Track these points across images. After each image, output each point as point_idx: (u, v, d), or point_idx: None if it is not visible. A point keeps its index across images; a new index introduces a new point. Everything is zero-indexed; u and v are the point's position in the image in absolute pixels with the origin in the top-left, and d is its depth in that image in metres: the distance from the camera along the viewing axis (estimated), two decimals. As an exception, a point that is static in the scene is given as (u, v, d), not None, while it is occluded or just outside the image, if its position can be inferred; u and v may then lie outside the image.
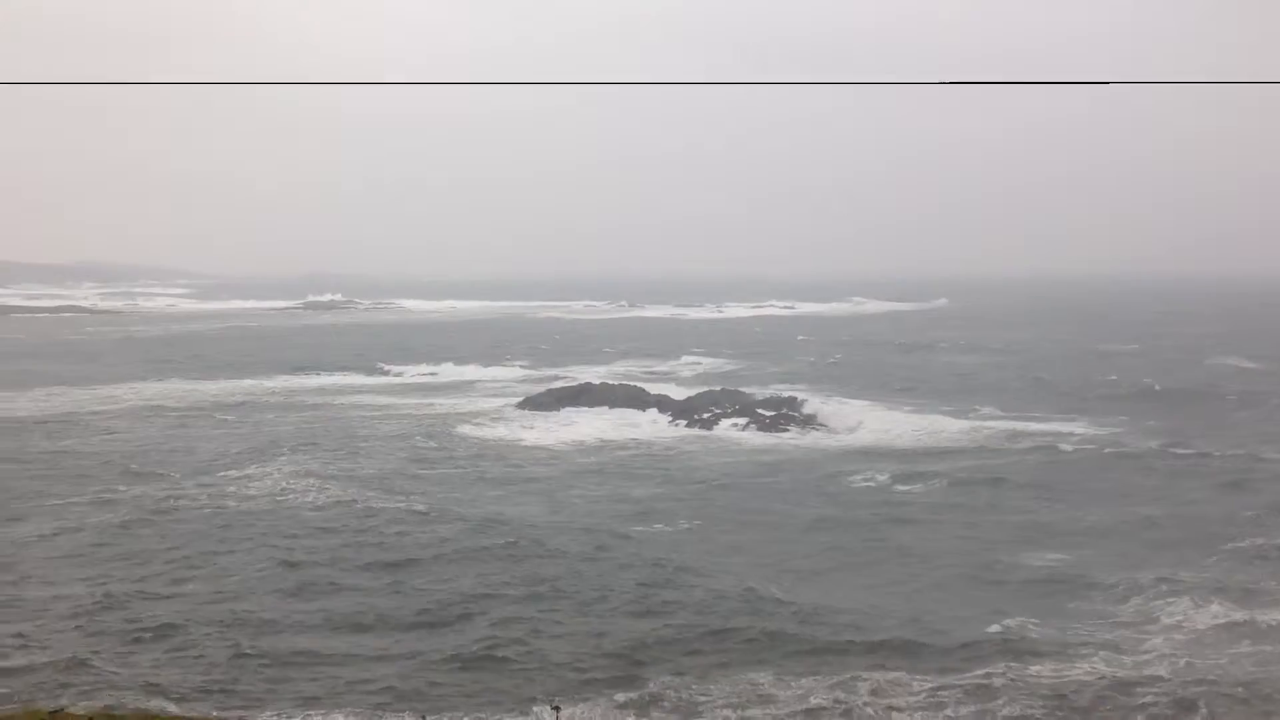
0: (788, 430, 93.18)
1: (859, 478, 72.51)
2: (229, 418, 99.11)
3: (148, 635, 41.06)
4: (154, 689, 35.58)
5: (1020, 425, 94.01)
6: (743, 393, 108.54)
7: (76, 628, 42.02)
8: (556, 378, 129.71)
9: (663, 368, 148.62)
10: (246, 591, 46.77)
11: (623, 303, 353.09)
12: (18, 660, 38.38)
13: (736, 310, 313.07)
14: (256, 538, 55.27)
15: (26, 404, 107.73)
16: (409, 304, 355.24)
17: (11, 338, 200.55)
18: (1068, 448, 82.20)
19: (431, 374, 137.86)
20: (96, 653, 39.17)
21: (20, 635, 40.82)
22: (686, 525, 59.66)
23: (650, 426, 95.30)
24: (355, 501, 63.27)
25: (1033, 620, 43.13)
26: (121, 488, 67.35)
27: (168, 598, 45.90)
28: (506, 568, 50.13)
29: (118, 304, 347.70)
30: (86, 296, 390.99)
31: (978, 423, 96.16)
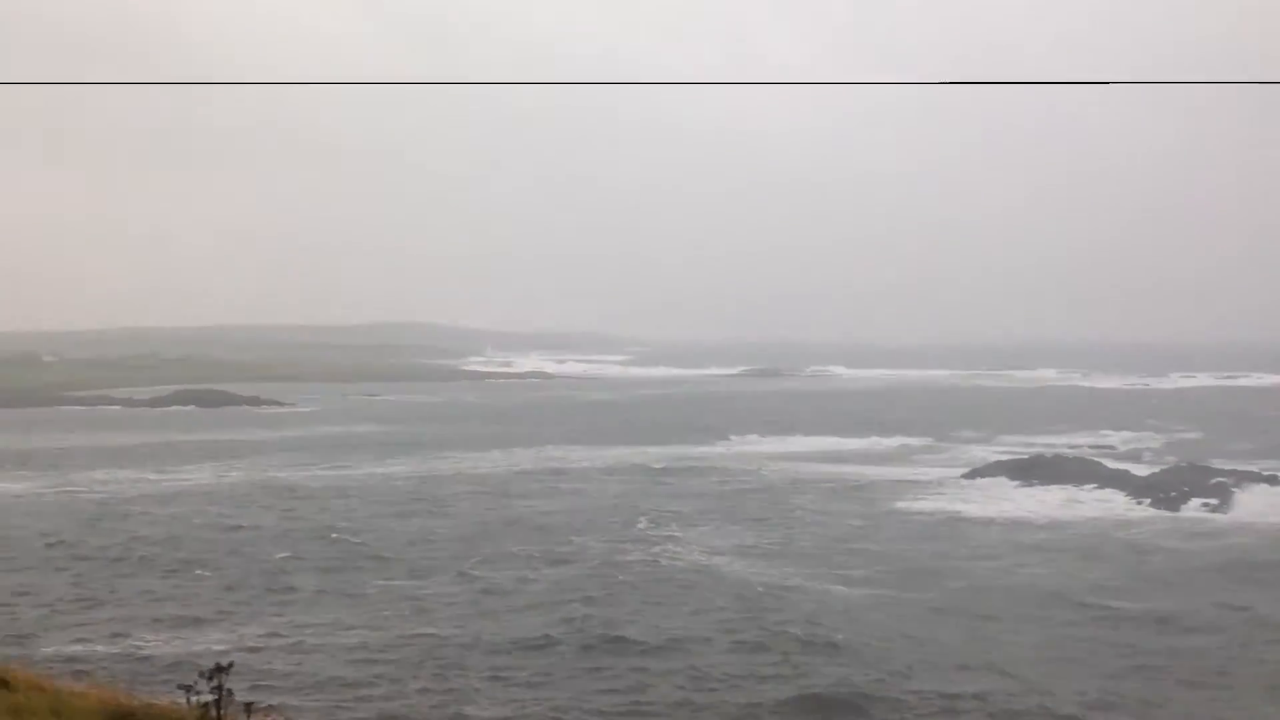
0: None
1: None
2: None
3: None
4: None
5: None
6: (1213, 467, 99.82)
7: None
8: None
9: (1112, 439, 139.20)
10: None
11: (1081, 371, 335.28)
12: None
13: (1200, 379, 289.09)
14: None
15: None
16: (840, 371, 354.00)
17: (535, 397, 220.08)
18: None
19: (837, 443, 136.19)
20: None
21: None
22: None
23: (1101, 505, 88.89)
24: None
25: None
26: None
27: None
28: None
29: (574, 369, 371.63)
30: (540, 363, 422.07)
31: None
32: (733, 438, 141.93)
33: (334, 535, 73.66)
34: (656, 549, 68.86)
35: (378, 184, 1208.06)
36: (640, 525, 77.92)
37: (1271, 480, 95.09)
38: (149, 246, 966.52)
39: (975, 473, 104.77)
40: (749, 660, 45.88)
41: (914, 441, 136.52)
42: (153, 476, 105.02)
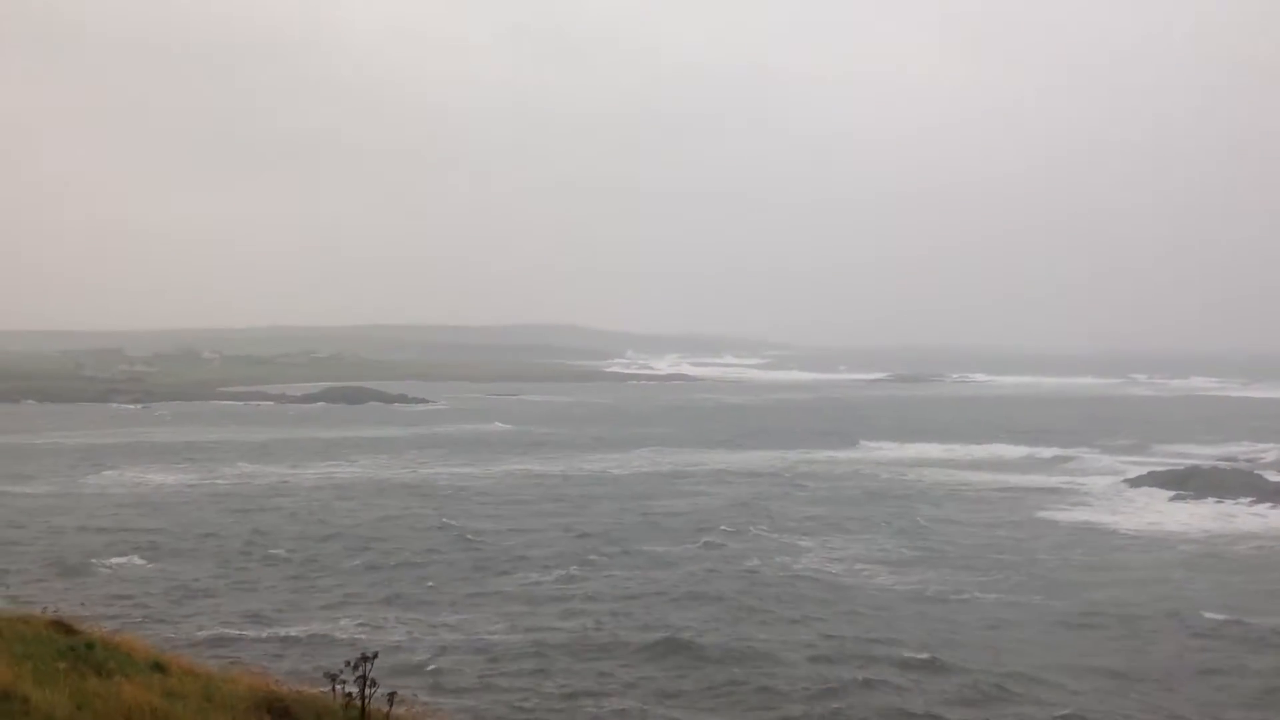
0: None
1: None
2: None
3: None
4: None
5: None
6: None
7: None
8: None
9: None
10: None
11: (1240, 380, 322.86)
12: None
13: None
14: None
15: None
16: (981, 378, 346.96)
17: (691, 400, 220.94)
18: None
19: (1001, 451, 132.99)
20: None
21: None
22: None
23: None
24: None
25: None
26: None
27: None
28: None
29: (712, 372, 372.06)
30: (677, 363, 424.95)
31: None
32: (889, 442, 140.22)
33: (469, 537, 74.41)
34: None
35: (527, 190, 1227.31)
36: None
37: None
38: (304, 251, 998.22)
39: (1129, 482, 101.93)
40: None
41: (1065, 451, 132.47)
42: (297, 470, 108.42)
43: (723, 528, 76.85)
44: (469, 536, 73.77)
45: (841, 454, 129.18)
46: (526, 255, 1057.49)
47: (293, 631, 49.69)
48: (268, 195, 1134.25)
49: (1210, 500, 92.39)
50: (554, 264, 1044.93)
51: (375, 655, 16.68)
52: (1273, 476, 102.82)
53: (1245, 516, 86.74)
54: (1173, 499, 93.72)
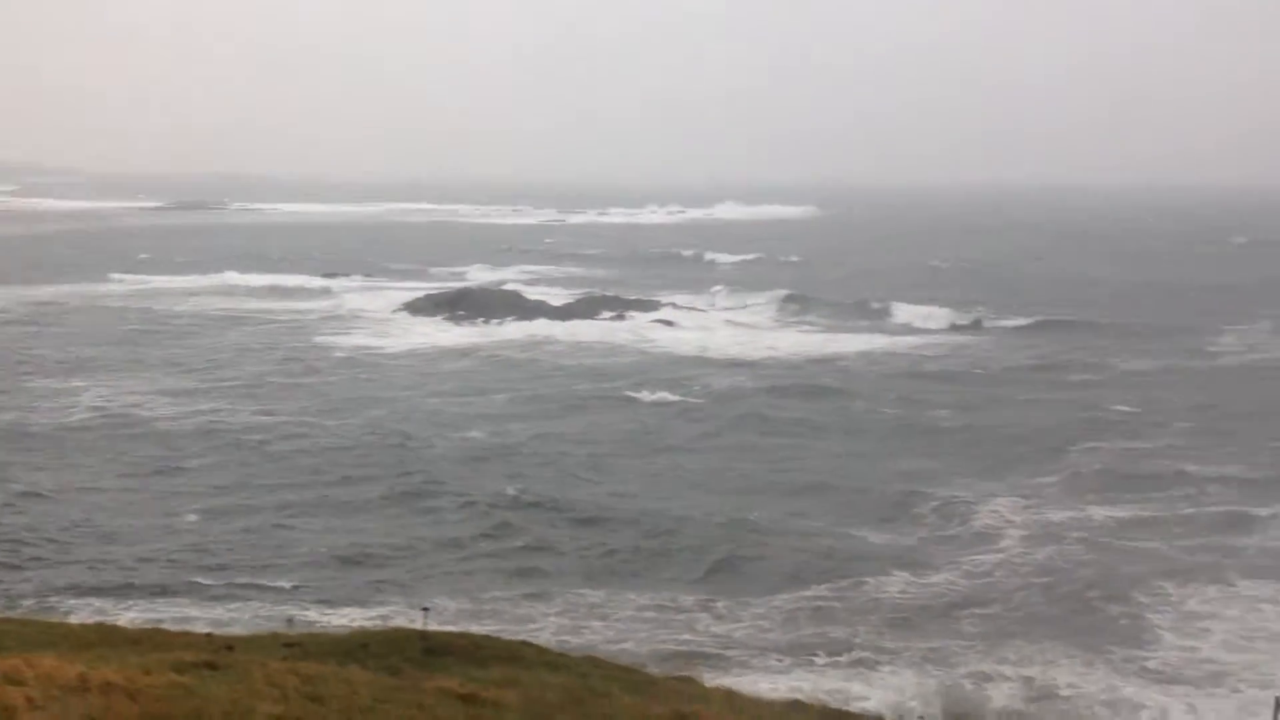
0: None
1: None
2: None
3: None
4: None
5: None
6: (622, 298, 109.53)
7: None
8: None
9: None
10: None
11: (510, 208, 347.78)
12: None
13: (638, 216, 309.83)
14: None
15: None
16: (268, 206, 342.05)
17: None
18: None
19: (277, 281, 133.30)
20: None
21: None
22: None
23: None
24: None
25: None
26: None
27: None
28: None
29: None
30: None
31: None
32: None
33: None
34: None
35: None
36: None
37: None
38: None
39: (407, 306, 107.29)
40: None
41: (343, 282, 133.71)
42: None
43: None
44: None
45: (98, 287, 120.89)
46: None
47: None
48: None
49: (480, 320, 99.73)
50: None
51: None
52: (531, 295, 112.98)
53: (511, 329, 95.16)
54: (446, 319, 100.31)
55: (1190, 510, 45.29)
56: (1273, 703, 24.97)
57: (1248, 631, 34.14)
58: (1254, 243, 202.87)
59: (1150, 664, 32.09)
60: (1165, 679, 31.16)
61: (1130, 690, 30.41)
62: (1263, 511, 44.38)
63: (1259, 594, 36.63)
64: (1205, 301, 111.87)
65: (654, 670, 27.03)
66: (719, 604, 36.10)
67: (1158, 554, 40.37)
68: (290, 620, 30.34)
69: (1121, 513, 45.06)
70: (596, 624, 34.55)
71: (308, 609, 34.71)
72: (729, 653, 32.50)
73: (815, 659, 32.29)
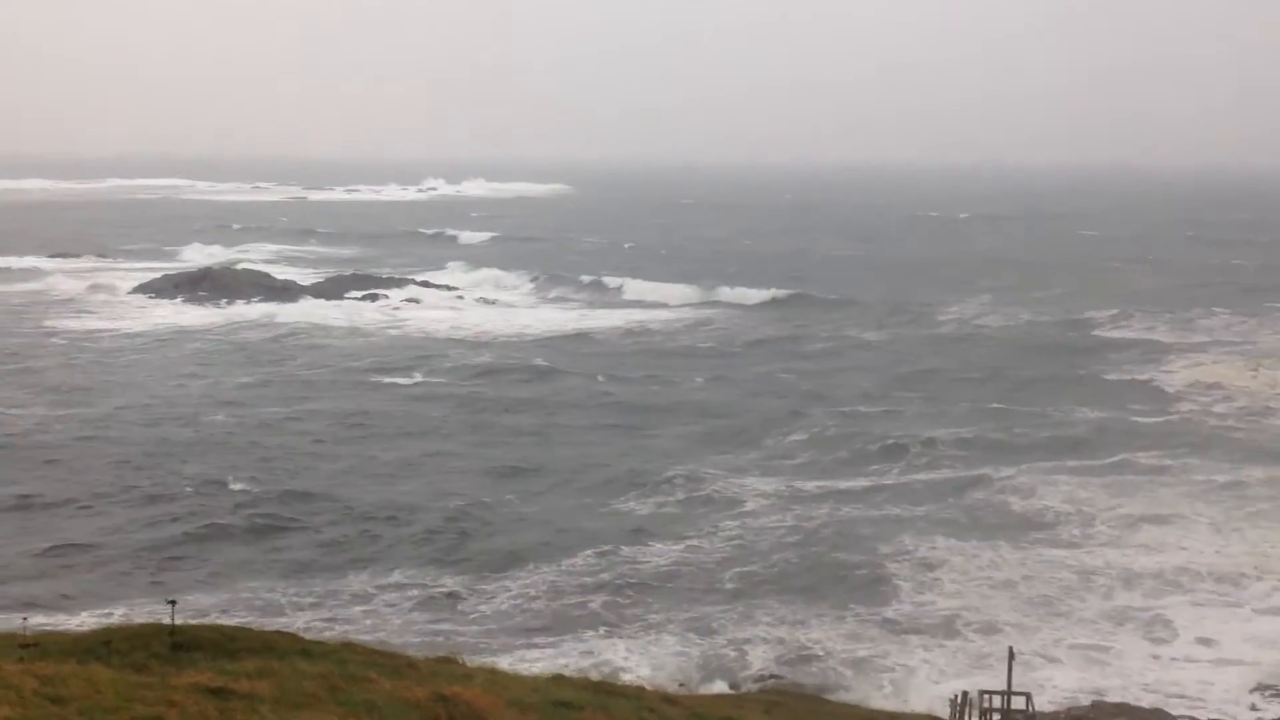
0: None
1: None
2: None
3: None
4: None
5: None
6: (376, 276, 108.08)
7: None
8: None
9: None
10: None
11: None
12: None
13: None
14: None
15: None
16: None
17: None
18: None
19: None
20: None
21: None
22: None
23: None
24: None
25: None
26: None
27: None
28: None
29: None
30: None
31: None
32: None
33: None
34: None
35: None
36: None
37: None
38: None
39: (143, 288, 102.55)
40: None
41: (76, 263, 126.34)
42: None
43: None
44: None
45: None
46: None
47: None
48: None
49: (224, 301, 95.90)
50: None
51: None
52: (279, 275, 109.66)
53: (255, 310, 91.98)
54: (186, 300, 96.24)
55: (928, 476, 47.59)
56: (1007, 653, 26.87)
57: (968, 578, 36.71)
58: (974, 217, 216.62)
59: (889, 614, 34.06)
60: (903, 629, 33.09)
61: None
62: (992, 472, 47.15)
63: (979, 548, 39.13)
64: (933, 275, 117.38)
65: (414, 653, 26.82)
66: (477, 584, 36.11)
67: (895, 517, 42.46)
68: (25, 620, 28.61)
69: (865, 481, 47.06)
70: (355, 610, 34.14)
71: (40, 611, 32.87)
72: (488, 630, 32.55)
73: (575, 632, 32.71)
